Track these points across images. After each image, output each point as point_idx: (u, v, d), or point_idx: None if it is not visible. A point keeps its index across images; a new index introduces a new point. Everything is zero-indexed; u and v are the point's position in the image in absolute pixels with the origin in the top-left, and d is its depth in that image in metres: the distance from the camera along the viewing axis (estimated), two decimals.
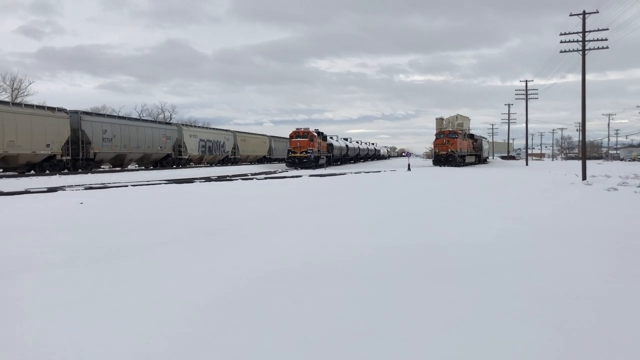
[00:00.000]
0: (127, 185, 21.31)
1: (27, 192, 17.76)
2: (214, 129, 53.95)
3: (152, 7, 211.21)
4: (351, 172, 35.37)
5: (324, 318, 4.15)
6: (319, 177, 28.65)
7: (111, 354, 3.47)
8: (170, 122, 63.00)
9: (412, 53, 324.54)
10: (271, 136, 66.23)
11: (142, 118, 61.08)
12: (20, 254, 6.74)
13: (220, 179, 27.47)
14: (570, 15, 28.54)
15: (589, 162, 32.10)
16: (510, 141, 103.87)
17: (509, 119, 79.23)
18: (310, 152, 44.44)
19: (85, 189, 19.36)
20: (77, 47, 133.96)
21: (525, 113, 60.56)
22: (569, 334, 3.82)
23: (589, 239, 8.02)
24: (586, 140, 30.26)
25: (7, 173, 28.07)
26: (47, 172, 28.78)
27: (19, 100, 56.03)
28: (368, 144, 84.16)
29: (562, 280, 5.36)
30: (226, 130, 54.61)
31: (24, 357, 3.43)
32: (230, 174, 32.15)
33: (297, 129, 46.83)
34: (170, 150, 41.95)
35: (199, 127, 52.39)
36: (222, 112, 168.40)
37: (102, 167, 36.81)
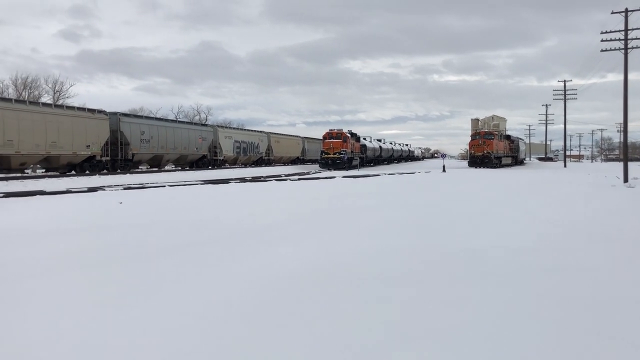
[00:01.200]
0: (164, 186, 21.71)
1: (68, 191, 18.27)
2: (248, 130, 54.44)
3: (186, 9, 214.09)
4: (385, 174, 35.21)
5: (357, 318, 4.15)
6: (352, 179, 28.63)
7: (145, 350, 3.54)
8: (206, 123, 63.78)
9: (445, 53, 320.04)
10: (304, 137, 66.46)
11: (179, 120, 62.09)
12: (63, 253, 6.94)
13: (255, 179, 27.71)
14: (612, 13, 27.80)
15: (630, 164, 31.16)
16: (548, 142, 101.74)
17: (546, 120, 77.60)
18: (343, 153, 44.39)
19: (124, 189, 19.80)
20: (114, 50, 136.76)
21: (563, 114, 59.22)
22: (615, 342, 3.72)
23: (634, 244, 7.79)
24: (628, 141, 29.40)
25: (49, 173, 28.91)
26: (87, 172, 29.53)
27: (60, 102, 57.69)
28: (402, 145, 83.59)
29: (605, 286, 5.23)
30: (260, 132, 55.07)
31: (69, 353, 3.53)
32: (264, 175, 32.39)
33: (331, 130, 46.83)
34: (205, 151, 42.52)
35: (233, 128, 52.95)
36: (256, 114, 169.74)
37: (139, 167, 37.56)
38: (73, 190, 18.75)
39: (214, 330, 3.91)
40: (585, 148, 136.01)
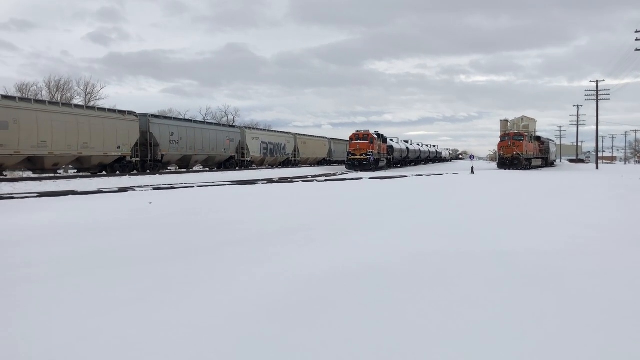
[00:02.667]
0: (193, 186, 21.93)
1: (99, 192, 18.58)
2: (275, 131, 54.71)
3: (213, 12, 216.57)
4: (411, 175, 34.96)
5: (386, 318, 4.10)
6: (379, 180, 28.49)
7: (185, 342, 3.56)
8: (234, 125, 64.34)
9: (473, 53, 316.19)
10: (331, 138, 66.41)
11: (207, 121, 62.71)
12: (97, 252, 7.05)
13: (282, 180, 27.80)
14: None
15: None
16: (579, 144, 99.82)
17: (577, 121, 76.21)
18: (370, 155, 44.20)
19: (154, 189, 20.05)
20: (142, 53, 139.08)
21: (595, 114, 58.01)
22: None
23: None
24: None
25: (81, 173, 29.46)
26: (118, 173, 30.00)
27: (91, 104, 58.82)
28: (429, 146, 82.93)
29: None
30: (287, 133, 55.25)
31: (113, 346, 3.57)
32: (290, 176, 32.47)
33: (357, 131, 46.68)
34: (233, 152, 42.82)
35: (260, 129, 53.33)
36: (282, 115, 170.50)
37: (169, 168, 38.03)
38: (104, 190, 19.07)
39: (244, 324, 3.92)
40: (618, 150, 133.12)
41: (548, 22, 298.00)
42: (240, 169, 42.81)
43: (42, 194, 16.84)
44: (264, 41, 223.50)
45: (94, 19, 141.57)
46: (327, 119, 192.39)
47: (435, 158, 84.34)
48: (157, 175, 29.95)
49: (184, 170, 37.83)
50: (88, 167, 29.53)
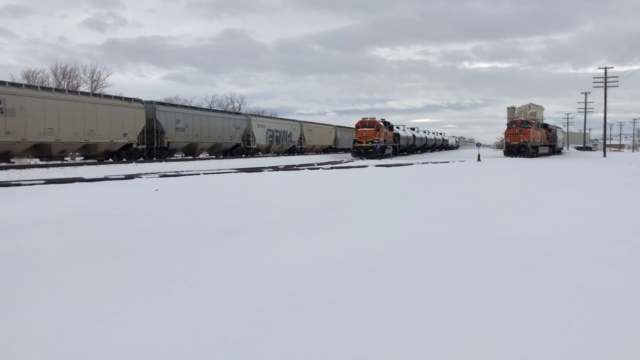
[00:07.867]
0: (199, 174, 21.96)
1: (106, 179, 18.65)
2: (281, 119, 54.63)
3: None
4: (418, 163, 34.87)
5: (385, 305, 4.11)
6: (385, 167, 28.44)
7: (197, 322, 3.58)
8: (239, 112, 64.27)
9: (476, 39, 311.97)
10: (337, 126, 66.32)
11: (213, 108, 62.72)
12: (107, 238, 7.08)
13: (288, 168, 27.82)
14: None
15: None
16: (587, 131, 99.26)
17: (585, 108, 75.78)
18: (376, 142, 44.11)
19: (160, 176, 20.11)
20: (140, 39, 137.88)
21: (603, 102, 57.58)
22: None
23: None
24: None
25: (88, 161, 29.59)
26: (124, 160, 30.11)
27: (98, 91, 58.86)
28: (435, 133, 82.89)
29: None
30: (293, 120, 55.18)
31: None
32: (296, 164, 32.47)
33: (363, 118, 46.59)
34: (239, 139, 42.83)
35: (266, 117, 53.31)
36: (285, 103, 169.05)
37: (175, 155, 38.10)
38: (111, 177, 19.14)
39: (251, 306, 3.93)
40: (626, 137, 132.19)
41: (551, 7, 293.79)
42: (246, 156, 42.84)
43: (49, 181, 16.92)
44: (262, 27, 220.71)
45: (89, 4, 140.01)
46: (331, 106, 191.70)
47: (441, 146, 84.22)
48: (163, 162, 30.03)
49: (190, 157, 37.90)
50: (95, 154, 29.66)
